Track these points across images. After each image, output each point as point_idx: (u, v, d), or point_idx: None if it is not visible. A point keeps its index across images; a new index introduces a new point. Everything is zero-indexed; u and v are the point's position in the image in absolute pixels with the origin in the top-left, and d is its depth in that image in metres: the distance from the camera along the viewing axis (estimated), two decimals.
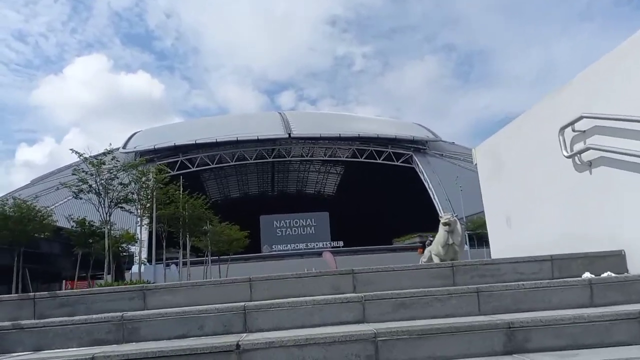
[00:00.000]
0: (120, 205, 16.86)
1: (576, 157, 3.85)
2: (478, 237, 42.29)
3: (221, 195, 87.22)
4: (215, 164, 69.26)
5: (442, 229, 12.42)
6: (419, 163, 69.09)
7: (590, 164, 3.77)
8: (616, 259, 3.40)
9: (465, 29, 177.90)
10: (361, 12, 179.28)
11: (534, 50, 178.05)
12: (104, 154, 16.19)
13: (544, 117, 4.23)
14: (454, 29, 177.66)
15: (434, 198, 64.41)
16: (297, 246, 65.85)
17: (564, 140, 3.90)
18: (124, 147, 67.91)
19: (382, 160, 69.56)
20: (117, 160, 16.64)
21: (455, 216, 12.69)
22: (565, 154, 3.86)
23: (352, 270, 3.44)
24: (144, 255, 36.88)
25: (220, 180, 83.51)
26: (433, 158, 72.09)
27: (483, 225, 39.20)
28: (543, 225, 4.11)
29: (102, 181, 15.76)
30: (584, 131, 3.83)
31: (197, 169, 67.53)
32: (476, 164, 4.96)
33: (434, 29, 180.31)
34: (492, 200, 4.57)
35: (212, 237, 29.38)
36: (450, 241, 12.26)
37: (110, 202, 16.02)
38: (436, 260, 12.86)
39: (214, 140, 65.48)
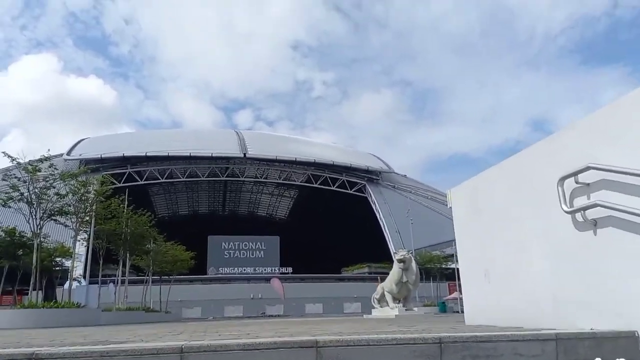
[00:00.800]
0: (53, 217, 15.39)
1: (579, 214, 3.39)
2: (426, 271, 42.34)
3: (169, 211, 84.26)
4: (166, 179, 66.95)
5: (396, 266, 12.00)
6: (371, 193, 69.55)
7: (595, 223, 3.30)
8: (628, 342, 2.89)
9: (422, 65, 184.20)
10: (323, 39, 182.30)
11: (484, 91, 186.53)
12: (40, 160, 14.74)
13: (538, 163, 3.77)
14: (411, 64, 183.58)
15: (385, 229, 64.71)
16: (244, 270, 64.01)
17: (564, 193, 3.43)
18: (69, 153, 64.56)
19: (336, 187, 69.54)
20: (54, 168, 15.22)
21: (410, 253, 12.32)
22: (566, 208, 3.39)
23: (316, 342, 2.71)
24: (79, 271, 34.50)
25: (170, 195, 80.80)
26: (385, 189, 72.85)
27: (432, 259, 39.45)
28: (531, 284, 3.60)
29: (36, 190, 14.32)
30: (589, 184, 3.36)
31: (145, 182, 64.98)
32: (450, 207, 4.43)
33: (392, 62, 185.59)
34: (467, 249, 4.00)
35: (154, 256, 27.76)
36: (405, 279, 11.85)
37: (43, 213, 14.56)
38: (389, 297, 12.42)
39: (166, 154, 63.42)
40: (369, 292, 52.00)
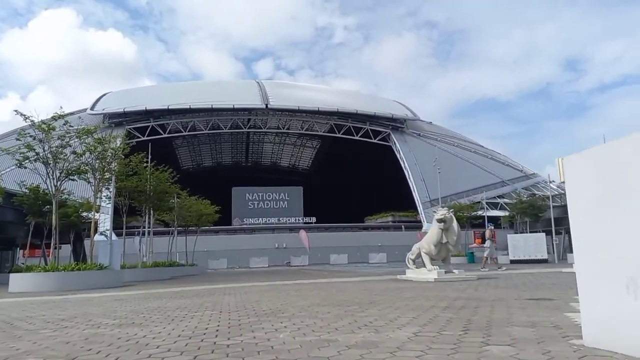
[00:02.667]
0: (71, 177, 14.96)
1: None
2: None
3: (193, 163, 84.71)
4: (188, 132, 66.76)
5: (435, 226, 11.12)
6: (396, 142, 68.15)
7: None
8: None
9: (448, 4, 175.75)
10: None
11: (516, 30, 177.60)
12: (53, 118, 14.13)
13: None
14: (437, 4, 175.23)
15: (409, 177, 63.75)
16: (268, 220, 64.41)
17: None
18: (92, 108, 64.58)
19: (360, 136, 68.27)
20: (70, 126, 14.63)
21: (451, 212, 11.44)
22: None
23: None
24: (107, 225, 34.86)
25: (193, 148, 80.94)
26: (410, 137, 71.29)
27: (462, 209, 38.44)
28: None
29: (52, 149, 13.80)
30: None
31: (169, 135, 64.87)
32: (563, 182, 3.29)
33: (417, 2, 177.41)
34: (595, 241, 2.77)
35: (179, 211, 27.61)
36: (445, 240, 11.03)
37: (60, 173, 14.11)
38: (426, 259, 11.68)
39: (188, 107, 62.81)
40: (394, 241, 51.98)
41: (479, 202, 57.83)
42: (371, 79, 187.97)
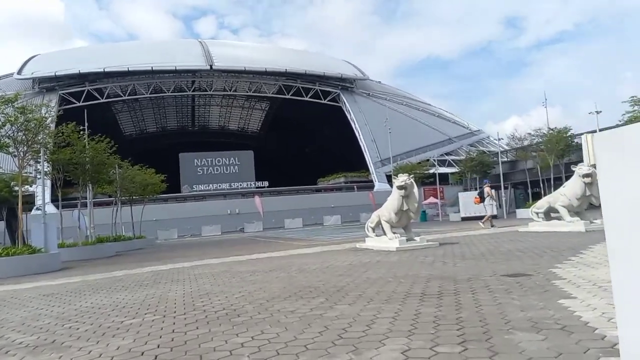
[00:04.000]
0: None
1: None
2: None
3: (136, 129, 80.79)
4: (128, 96, 63.11)
5: (396, 193, 10.54)
6: (346, 102, 67.54)
7: None
8: None
9: None
10: None
11: None
12: None
13: None
14: None
15: (360, 138, 63.70)
16: (219, 186, 62.77)
17: None
18: (19, 72, 59.59)
19: (310, 97, 67.03)
20: None
21: (411, 177, 10.92)
22: None
23: None
24: (45, 199, 32.37)
25: (135, 113, 76.97)
26: (360, 97, 70.84)
27: (413, 168, 38.61)
28: None
29: None
30: None
31: (107, 100, 61.12)
32: (593, 164, 2.56)
33: None
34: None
35: (121, 182, 25.86)
36: (405, 207, 10.55)
37: None
38: (386, 227, 11.24)
39: (126, 69, 59.08)
40: (347, 201, 52.16)
41: (428, 159, 58.79)
42: (318, 39, 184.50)
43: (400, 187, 10.14)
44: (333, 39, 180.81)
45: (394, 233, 10.76)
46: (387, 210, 10.80)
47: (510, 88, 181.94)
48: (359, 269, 7.43)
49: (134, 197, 29.76)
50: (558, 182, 29.88)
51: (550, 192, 28.66)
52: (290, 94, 66.43)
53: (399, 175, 10.48)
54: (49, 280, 10.09)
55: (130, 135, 79.85)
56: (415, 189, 10.36)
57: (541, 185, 29.83)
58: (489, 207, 18.95)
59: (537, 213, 13.49)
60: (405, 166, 43.80)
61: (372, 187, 57.34)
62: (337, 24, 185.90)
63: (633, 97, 24.67)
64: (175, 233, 40.32)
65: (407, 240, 10.59)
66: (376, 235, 11.63)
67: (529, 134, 31.58)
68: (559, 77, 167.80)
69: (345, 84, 70.21)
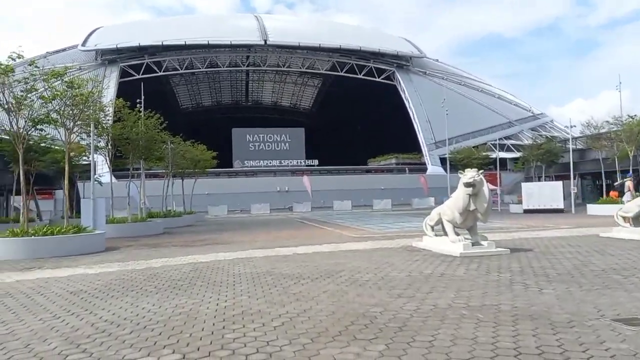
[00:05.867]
0: (38, 127, 13.08)
1: None
2: (467, 166, 39.85)
3: (192, 102, 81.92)
4: (185, 70, 63.63)
5: (462, 191, 9.29)
6: (401, 80, 65.24)
7: None
8: None
9: None
10: None
11: None
12: (10, 57, 11.97)
13: None
14: None
15: (414, 118, 61.52)
16: (270, 163, 62.66)
17: None
18: (84, 44, 61.24)
19: (363, 75, 65.21)
20: (35, 66, 12.51)
21: (481, 174, 9.55)
22: None
23: None
24: (104, 170, 33.01)
25: (192, 86, 77.96)
26: (416, 76, 68.25)
27: (471, 154, 36.57)
28: None
29: (13, 94, 11.80)
30: None
31: (164, 73, 61.81)
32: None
33: None
34: None
35: (173, 158, 25.74)
36: (472, 207, 9.22)
37: (26, 121, 12.21)
38: (449, 227, 9.97)
39: (183, 43, 59.44)
40: (397, 184, 50.59)
41: (485, 143, 55.88)
42: (374, 14, 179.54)
43: (467, 185, 8.86)
44: (389, 14, 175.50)
45: (457, 235, 9.52)
46: (451, 208, 9.55)
47: (577, 70, 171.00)
48: (422, 285, 6.31)
49: (185, 172, 29.74)
50: (635, 175, 27.14)
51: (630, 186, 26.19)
52: (344, 70, 64.85)
53: (466, 170, 9.18)
54: (87, 266, 9.64)
55: (186, 108, 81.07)
56: (486, 187, 9.05)
57: (618, 177, 27.16)
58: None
59: (624, 217, 11.72)
60: (464, 150, 41.62)
61: (425, 170, 55.33)
62: (395, 1, 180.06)
63: None
64: (225, 209, 40.39)
65: (473, 244, 9.34)
66: (435, 235, 10.43)
67: (607, 121, 28.72)
68: (630, 59, 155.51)
69: (401, 61, 67.75)
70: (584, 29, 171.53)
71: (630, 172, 22.74)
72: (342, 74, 65.02)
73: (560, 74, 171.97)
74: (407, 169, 59.87)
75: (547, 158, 38.85)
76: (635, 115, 28.31)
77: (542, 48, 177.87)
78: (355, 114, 72.68)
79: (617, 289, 5.77)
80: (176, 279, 7.52)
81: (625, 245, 10.18)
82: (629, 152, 26.59)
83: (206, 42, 59.80)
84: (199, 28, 63.93)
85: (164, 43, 58.97)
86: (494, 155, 47.06)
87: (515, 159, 51.14)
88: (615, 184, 23.52)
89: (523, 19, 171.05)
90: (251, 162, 63.32)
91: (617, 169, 27.15)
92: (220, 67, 64.70)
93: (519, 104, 74.53)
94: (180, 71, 63.62)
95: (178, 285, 6.91)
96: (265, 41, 60.94)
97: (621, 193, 17.00)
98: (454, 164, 40.64)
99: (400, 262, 8.64)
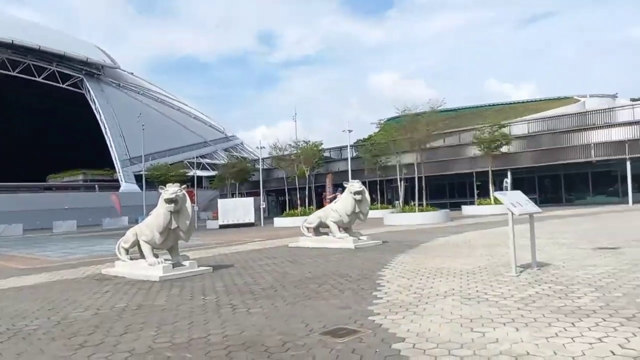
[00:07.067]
0: None
1: None
2: (161, 183, 38.67)
3: None
4: None
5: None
6: (90, 90, 59.77)
7: None
8: None
9: None
10: None
11: None
12: None
13: None
14: None
15: (106, 132, 57.20)
16: None
17: None
18: None
19: (43, 78, 56.86)
20: None
21: (184, 189, 8.93)
22: None
23: None
24: None
25: None
26: (109, 87, 63.79)
27: (169, 170, 35.84)
28: None
29: None
30: None
31: None
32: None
33: None
34: None
35: None
36: (174, 225, 8.43)
37: None
38: (147, 250, 8.86)
39: None
40: (85, 202, 45.25)
41: (182, 161, 56.24)
42: (63, 16, 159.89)
43: (169, 201, 8.00)
44: (82, 19, 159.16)
45: (157, 257, 8.53)
46: (150, 228, 8.49)
47: (261, 99, 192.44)
48: (113, 325, 5.08)
49: None
50: (310, 191, 31.62)
51: (309, 201, 30.28)
52: (17, 70, 54.98)
53: (168, 185, 8.33)
54: None
55: None
56: (189, 203, 8.38)
57: (297, 193, 31.08)
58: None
59: (307, 228, 13.04)
60: (160, 167, 40.56)
61: (118, 187, 51.63)
62: (88, 5, 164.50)
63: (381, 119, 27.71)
64: None
65: (174, 265, 8.50)
66: (130, 259, 9.15)
67: (290, 144, 32.67)
68: (302, 94, 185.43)
69: (92, 69, 62.18)
70: (267, 65, 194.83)
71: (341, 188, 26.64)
72: (14, 73, 54.98)
73: (248, 102, 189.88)
74: (97, 186, 54.69)
75: (240, 176, 41.58)
76: (309, 140, 33.26)
77: (234, 76, 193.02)
78: (34, 124, 62.44)
79: (316, 299, 5.89)
80: None
81: (311, 253, 11.16)
82: (305, 172, 30.88)
83: None
84: None
85: None
86: (191, 173, 47.60)
87: (211, 177, 53.05)
88: (329, 197, 27.41)
89: (218, 47, 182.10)
90: None
91: (297, 186, 31.07)
92: None
93: (213, 125, 78.22)
94: None
95: None
96: None
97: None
98: (151, 181, 39.17)
99: (86, 296, 7.05)
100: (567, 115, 36.00)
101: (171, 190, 8.08)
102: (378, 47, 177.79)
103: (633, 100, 49.10)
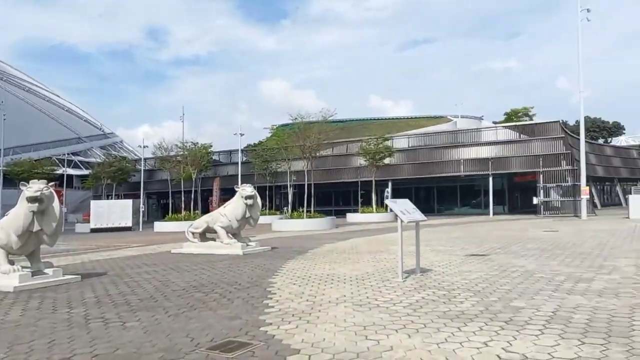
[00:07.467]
0: None
1: None
2: (24, 180, 34.48)
3: None
4: None
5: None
6: None
7: None
8: None
9: None
10: None
11: None
12: None
13: None
14: None
15: None
16: None
17: None
18: None
19: None
20: None
21: (51, 187, 7.94)
22: None
23: None
24: None
25: None
26: None
27: (34, 167, 32.15)
28: None
29: None
30: None
31: None
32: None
33: None
34: None
35: None
36: (37, 227, 7.46)
37: None
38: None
39: None
40: None
41: (50, 157, 51.01)
42: None
43: (33, 200, 6.98)
44: None
45: (12, 264, 7.40)
46: (5, 230, 7.33)
47: (146, 97, 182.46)
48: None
49: None
50: (195, 195, 30.33)
51: (193, 205, 28.95)
52: None
53: (31, 182, 7.27)
54: None
55: None
56: (56, 203, 7.39)
57: (182, 197, 29.62)
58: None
59: (193, 233, 12.32)
60: (23, 162, 36.25)
61: None
62: None
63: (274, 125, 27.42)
64: None
65: (34, 274, 7.43)
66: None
67: (176, 145, 30.94)
68: (191, 95, 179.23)
69: None
70: (154, 62, 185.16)
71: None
72: None
73: (132, 98, 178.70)
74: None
75: (118, 176, 38.62)
76: (197, 142, 31.87)
77: (117, 70, 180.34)
78: None
79: (202, 309, 5.46)
80: None
81: (196, 259, 10.54)
82: (192, 174, 29.54)
83: None
84: None
85: None
86: (60, 171, 43.23)
87: (84, 176, 48.68)
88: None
89: (101, 37, 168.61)
90: None
91: (182, 189, 29.58)
92: None
93: (89, 121, 72.35)
94: None
95: None
96: None
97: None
98: (11, 178, 34.82)
99: None
100: (442, 132, 39.18)
101: (35, 187, 7.05)
102: (270, 54, 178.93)
103: (495, 123, 55.01)
